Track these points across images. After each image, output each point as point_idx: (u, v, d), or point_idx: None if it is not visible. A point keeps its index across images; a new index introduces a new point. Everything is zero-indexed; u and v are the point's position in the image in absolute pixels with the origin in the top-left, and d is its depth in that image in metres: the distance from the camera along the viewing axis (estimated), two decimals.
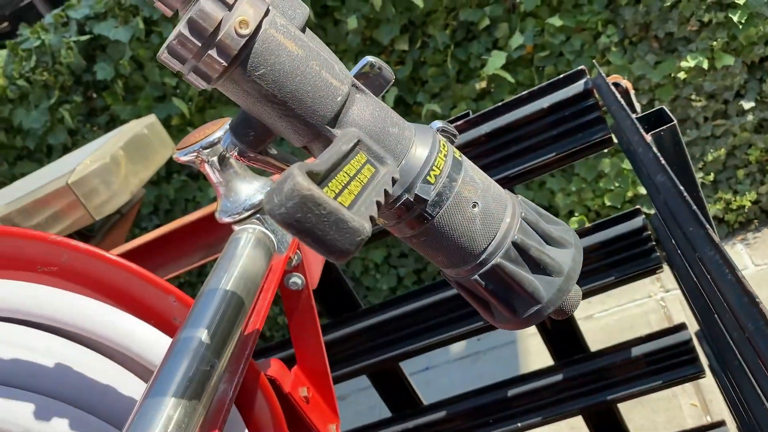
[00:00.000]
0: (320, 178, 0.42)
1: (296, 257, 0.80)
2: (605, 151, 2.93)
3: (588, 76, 1.15)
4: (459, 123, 1.20)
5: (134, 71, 2.99)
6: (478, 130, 1.19)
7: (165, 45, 0.44)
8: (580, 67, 1.14)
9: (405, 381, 1.51)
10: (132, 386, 0.74)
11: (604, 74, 1.10)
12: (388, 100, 2.98)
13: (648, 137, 0.87)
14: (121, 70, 2.96)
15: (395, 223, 0.52)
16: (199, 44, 0.43)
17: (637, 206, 1.35)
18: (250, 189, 0.74)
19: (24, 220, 1.09)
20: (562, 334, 1.39)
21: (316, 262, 0.86)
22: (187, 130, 3.03)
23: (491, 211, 0.52)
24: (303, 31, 0.51)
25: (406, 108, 3.09)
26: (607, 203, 3.16)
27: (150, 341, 0.75)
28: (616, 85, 1.07)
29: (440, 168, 0.51)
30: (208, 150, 0.70)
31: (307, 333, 0.87)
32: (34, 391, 0.68)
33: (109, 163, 1.11)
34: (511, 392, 1.45)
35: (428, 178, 0.50)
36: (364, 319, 1.40)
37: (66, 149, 3.15)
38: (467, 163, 0.54)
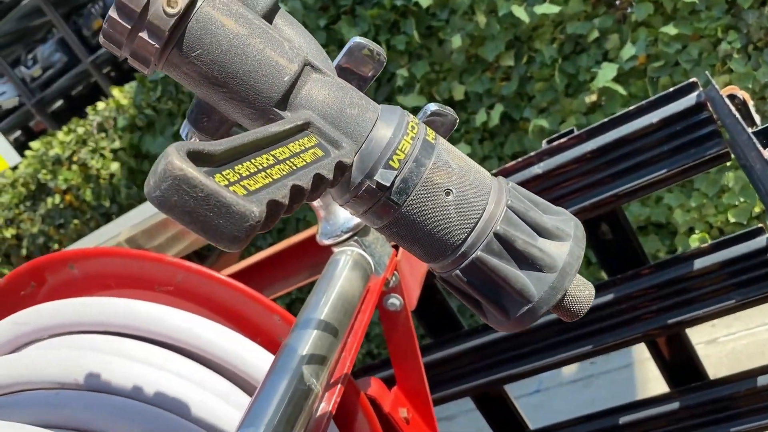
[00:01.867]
0: (216, 160, 0.38)
1: (394, 278, 0.81)
2: (728, 164, 2.75)
3: (700, 89, 1.09)
4: (564, 140, 1.17)
5: None
6: (583, 147, 1.16)
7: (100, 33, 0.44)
8: (691, 80, 1.09)
9: (510, 404, 1.48)
10: (240, 400, 0.78)
11: (718, 86, 1.04)
12: (493, 117, 2.96)
13: (766, 153, 0.81)
14: None
15: (363, 213, 0.49)
16: (129, 27, 0.41)
17: (760, 225, 1.26)
18: (348, 212, 0.76)
19: (147, 241, 1.18)
20: (678, 358, 1.31)
21: (414, 284, 0.87)
22: None
23: (469, 199, 0.48)
24: (270, 18, 0.49)
25: (513, 124, 3.05)
26: (732, 219, 2.96)
27: (255, 359, 0.78)
28: (732, 97, 1.01)
29: (405, 152, 0.47)
30: None
31: (406, 354, 0.88)
32: (147, 402, 0.73)
33: None
34: (623, 419, 1.38)
35: (390, 162, 0.46)
36: (468, 339, 1.39)
37: None
38: (442, 146, 0.49)
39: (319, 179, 0.42)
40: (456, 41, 2.88)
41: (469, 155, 3.05)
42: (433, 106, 0.53)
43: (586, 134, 1.16)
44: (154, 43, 0.42)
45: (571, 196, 1.20)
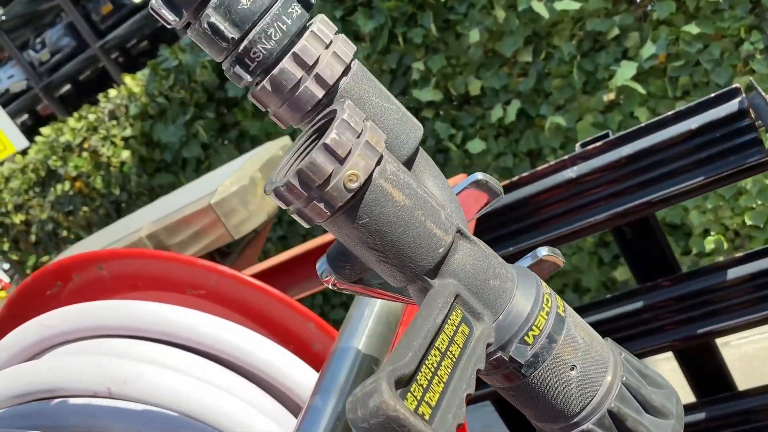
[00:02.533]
0: (407, 378, 0.39)
1: None
2: None
3: (743, 95, 1.06)
4: (598, 144, 1.15)
5: None
6: (618, 152, 1.13)
7: (272, 184, 0.44)
8: (734, 86, 1.06)
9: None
10: (274, 410, 0.76)
11: (763, 92, 1.01)
12: (509, 113, 2.93)
13: None
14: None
15: (485, 375, 0.49)
16: (306, 194, 0.42)
17: None
18: None
19: (169, 238, 1.16)
20: (706, 368, 1.29)
21: None
22: None
23: (590, 375, 0.48)
24: (415, 154, 0.50)
25: (529, 121, 3.02)
26: (748, 222, 2.93)
27: (290, 368, 0.76)
28: None
29: (540, 328, 0.47)
30: None
31: None
32: (180, 412, 0.71)
33: (248, 184, 1.15)
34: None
35: (526, 338, 0.47)
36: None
37: (199, 162, 3.33)
38: (570, 319, 0.50)
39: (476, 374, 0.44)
40: (474, 35, 2.85)
41: (484, 152, 3.02)
42: (544, 251, 0.53)
43: (622, 139, 1.13)
44: (326, 211, 0.43)
45: (604, 201, 1.18)
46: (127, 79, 3.37)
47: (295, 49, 0.45)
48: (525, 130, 3.03)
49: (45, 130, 3.71)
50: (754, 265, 1.20)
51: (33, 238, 3.91)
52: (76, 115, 3.59)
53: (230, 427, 0.70)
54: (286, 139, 1.32)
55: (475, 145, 2.96)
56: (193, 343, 0.74)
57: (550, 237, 1.22)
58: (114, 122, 3.43)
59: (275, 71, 0.45)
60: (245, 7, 0.44)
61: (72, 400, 0.68)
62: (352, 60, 0.48)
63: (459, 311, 0.45)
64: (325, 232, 3.52)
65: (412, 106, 3.09)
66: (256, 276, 1.24)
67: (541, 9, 2.73)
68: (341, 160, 0.42)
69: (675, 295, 1.22)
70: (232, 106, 3.22)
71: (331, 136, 0.41)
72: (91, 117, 3.49)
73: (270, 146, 1.32)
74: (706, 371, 1.29)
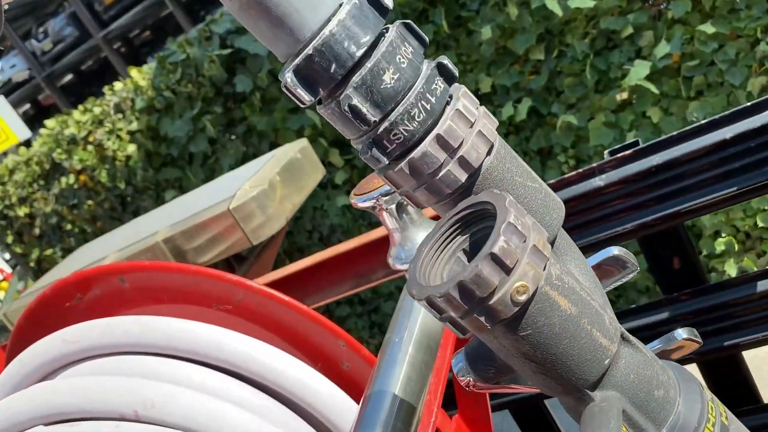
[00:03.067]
0: None
1: None
2: None
3: None
4: (627, 152, 1.12)
5: (271, 84, 3.08)
6: (648, 161, 1.10)
7: (420, 288, 0.40)
8: None
9: (549, 417, 1.43)
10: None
11: None
12: (520, 111, 2.90)
13: None
14: (259, 82, 3.06)
15: None
16: (466, 307, 0.38)
17: None
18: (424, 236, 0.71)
19: (186, 242, 1.13)
20: (730, 378, 1.27)
21: None
22: (319, 140, 3.09)
23: None
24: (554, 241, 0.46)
25: (540, 119, 2.99)
26: (760, 224, 2.90)
27: (319, 388, 0.74)
28: None
29: None
30: (386, 197, 0.67)
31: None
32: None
33: (267, 189, 1.13)
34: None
35: None
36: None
37: (206, 157, 3.30)
38: (734, 426, 0.46)
39: None
40: (486, 32, 2.81)
41: None
42: (684, 334, 0.49)
43: (652, 147, 1.10)
44: (487, 324, 0.39)
45: (631, 210, 1.15)
46: (134, 72, 3.33)
47: (440, 131, 0.41)
48: (536, 129, 3.00)
49: (50, 122, 3.67)
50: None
51: (37, 231, 3.89)
52: (81, 108, 3.56)
53: None
54: (304, 142, 1.30)
55: None
56: (222, 363, 0.72)
57: (578, 245, 1.20)
58: (120, 116, 3.40)
59: (416, 154, 0.41)
60: (388, 86, 0.40)
61: (97, 425, 0.65)
62: (496, 137, 0.44)
63: (624, 430, 0.42)
64: (336, 216, 3.46)
65: None
66: (272, 285, 1.22)
67: (554, 6, 2.70)
68: (509, 271, 0.38)
69: (701, 307, 1.19)
70: (240, 101, 3.19)
71: (498, 245, 0.37)
72: (97, 110, 3.46)
73: (288, 148, 1.30)
74: (732, 383, 1.26)
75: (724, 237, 3.00)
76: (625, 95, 2.84)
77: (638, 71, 2.73)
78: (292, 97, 0.40)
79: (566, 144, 2.91)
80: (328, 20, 0.38)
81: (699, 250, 3.03)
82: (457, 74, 0.43)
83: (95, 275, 0.81)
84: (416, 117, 0.40)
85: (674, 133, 1.08)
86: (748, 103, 1.04)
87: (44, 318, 0.86)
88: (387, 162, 0.42)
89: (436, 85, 0.41)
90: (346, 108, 0.39)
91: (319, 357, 0.79)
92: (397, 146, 0.41)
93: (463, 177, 0.42)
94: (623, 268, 0.51)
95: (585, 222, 1.17)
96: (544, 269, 0.40)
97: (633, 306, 1.24)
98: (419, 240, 0.71)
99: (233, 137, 3.25)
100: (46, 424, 0.65)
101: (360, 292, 3.88)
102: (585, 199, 1.15)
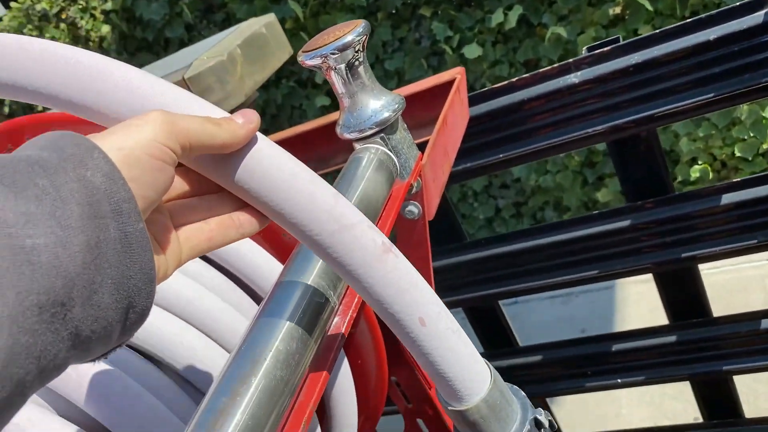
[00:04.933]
0: None
1: (417, 185, 0.73)
2: None
3: None
4: (606, 49, 1.06)
5: None
6: (627, 59, 1.05)
7: None
8: None
9: (503, 320, 1.44)
10: (239, 300, 0.71)
11: None
12: (510, 19, 2.79)
13: None
14: None
15: None
16: None
17: None
18: (378, 104, 0.66)
19: None
20: (684, 291, 1.27)
21: (435, 192, 0.79)
22: (300, 34, 2.97)
23: None
24: None
25: (530, 29, 2.89)
26: (737, 153, 2.89)
27: (254, 259, 0.71)
28: None
29: None
30: (336, 55, 0.62)
31: (418, 264, 0.81)
32: None
33: (226, 60, 1.06)
34: (615, 347, 1.36)
35: None
36: (468, 252, 1.33)
37: (183, 44, 3.17)
38: None
39: None
40: None
41: (480, 58, 2.90)
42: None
43: (632, 45, 1.05)
44: None
45: (605, 112, 1.11)
46: None
47: None
48: (524, 39, 2.91)
49: None
50: (746, 193, 1.15)
51: (6, 110, 3.77)
52: None
53: (186, 308, 0.65)
54: (271, 17, 1.22)
55: (472, 50, 2.84)
56: None
57: (543, 145, 1.16)
58: None
59: None
60: None
61: None
62: None
63: None
64: (315, 116, 3.39)
65: (410, 2, 2.93)
66: None
67: None
68: None
69: (663, 217, 1.18)
70: None
71: None
72: None
73: (252, 22, 1.22)
74: (685, 296, 1.27)
75: (701, 164, 2.99)
76: (618, 10, 2.74)
77: None
78: None
79: (553, 57, 2.83)
80: None
81: (674, 176, 3.02)
82: None
83: (27, 125, 0.76)
84: None
85: (656, 31, 1.03)
86: (736, 3, 0.98)
87: None
88: None
89: None
90: None
91: (264, 229, 0.75)
92: None
93: None
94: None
95: (556, 121, 1.13)
96: None
97: (595, 212, 1.22)
98: (371, 106, 0.67)
99: (211, 25, 3.11)
100: None
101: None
102: (558, 96, 1.10)
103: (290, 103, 3.27)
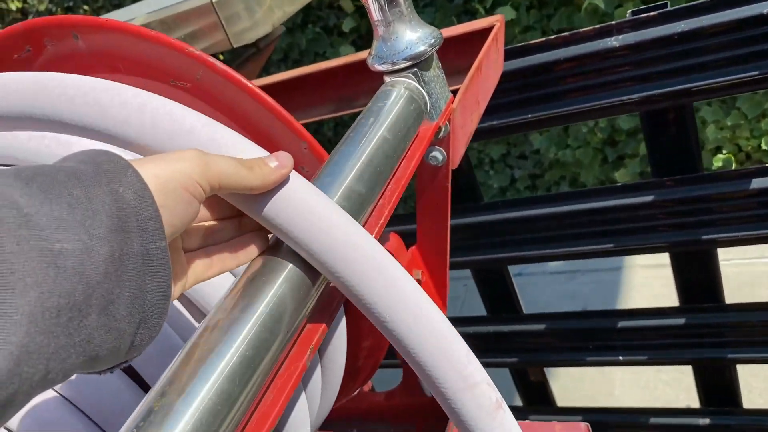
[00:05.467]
0: None
1: (445, 129, 0.70)
2: None
3: None
4: (652, 14, 1.02)
5: None
6: (672, 27, 1.01)
7: None
8: None
9: (510, 285, 1.42)
10: None
11: None
12: None
13: None
14: None
15: None
16: None
17: None
18: (414, 36, 0.63)
19: (163, 33, 1.04)
20: (698, 275, 1.25)
21: (463, 141, 0.76)
22: None
23: None
24: None
25: None
26: (764, 146, 2.83)
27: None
28: None
29: None
30: None
31: (435, 214, 0.78)
32: None
33: None
34: (621, 323, 1.34)
35: None
36: (484, 213, 1.31)
37: None
38: None
39: None
40: None
41: (513, 21, 2.83)
42: None
43: (681, 12, 1.01)
44: None
45: (641, 80, 1.07)
46: None
47: None
48: (560, 7, 2.83)
49: None
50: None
51: (15, 5, 3.73)
52: None
53: None
54: None
55: (505, 12, 2.76)
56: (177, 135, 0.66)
57: (573, 110, 1.13)
58: None
59: None
60: None
61: None
62: None
63: None
64: (337, 54, 3.35)
65: None
66: None
67: None
68: None
69: (687, 196, 1.14)
70: None
71: None
72: None
73: None
74: (700, 279, 1.24)
75: (725, 154, 2.93)
76: None
77: None
78: None
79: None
80: None
81: None
82: None
83: (46, 25, 0.73)
84: None
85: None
86: None
87: None
88: None
89: None
90: None
91: None
92: None
93: None
94: None
95: (588, 85, 1.09)
96: None
97: (619, 184, 1.19)
98: (406, 37, 0.63)
99: None
100: None
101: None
102: (595, 59, 1.06)
103: (314, 50, 3.21)
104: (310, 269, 0.43)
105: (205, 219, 0.44)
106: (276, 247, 0.44)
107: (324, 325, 0.46)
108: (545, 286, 3.11)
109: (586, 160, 2.99)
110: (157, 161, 0.37)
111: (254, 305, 0.40)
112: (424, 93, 0.63)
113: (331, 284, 0.45)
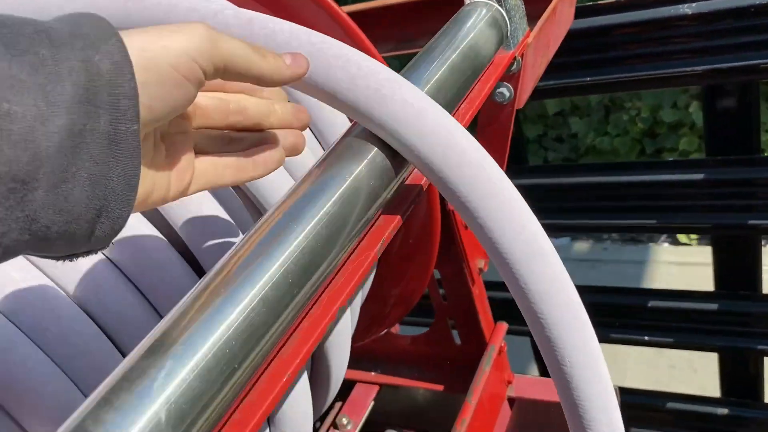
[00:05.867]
0: None
1: (517, 63, 0.68)
2: None
3: None
4: None
5: None
6: None
7: None
8: None
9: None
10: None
11: None
12: None
13: None
14: None
15: None
16: None
17: None
18: None
19: None
20: (738, 261, 1.23)
21: (531, 81, 0.74)
22: None
23: None
24: None
25: None
26: None
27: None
28: None
29: None
30: None
31: (494, 155, 0.77)
32: None
33: None
34: (651, 303, 1.32)
35: None
36: (527, 176, 1.29)
37: None
38: None
39: None
40: None
41: None
42: None
43: None
44: None
45: (708, 52, 1.04)
46: None
47: None
48: None
49: None
50: None
51: None
52: None
53: None
54: None
55: None
56: None
57: (632, 77, 1.10)
58: None
59: None
60: None
61: None
62: None
63: None
64: None
65: None
66: None
67: None
68: None
69: (740, 177, 1.12)
70: None
71: None
72: None
73: None
74: (739, 265, 1.22)
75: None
76: None
77: None
78: None
79: None
80: None
81: None
82: None
83: None
84: None
85: None
86: None
87: None
88: None
89: None
90: None
91: None
92: None
93: None
94: None
95: (652, 53, 1.07)
96: None
97: (670, 160, 1.17)
98: None
99: None
100: None
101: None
102: (665, 25, 1.03)
103: None
104: (394, 156, 0.43)
105: (221, 125, 0.41)
106: (360, 132, 0.44)
107: (399, 217, 0.45)
108: (567, 272, 3.09)
109: (624, 149, 2.95)
110: (150, 33, 0.32)
111: (336, 179, 0.39)
112: (507, 18, 0.62)
113: (408, 182, 0.44)
